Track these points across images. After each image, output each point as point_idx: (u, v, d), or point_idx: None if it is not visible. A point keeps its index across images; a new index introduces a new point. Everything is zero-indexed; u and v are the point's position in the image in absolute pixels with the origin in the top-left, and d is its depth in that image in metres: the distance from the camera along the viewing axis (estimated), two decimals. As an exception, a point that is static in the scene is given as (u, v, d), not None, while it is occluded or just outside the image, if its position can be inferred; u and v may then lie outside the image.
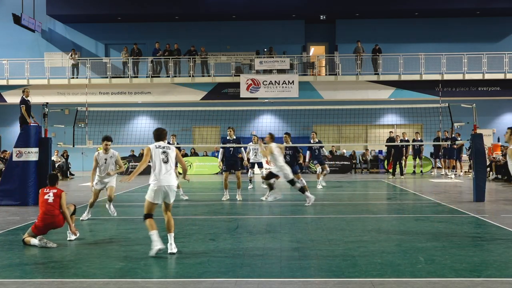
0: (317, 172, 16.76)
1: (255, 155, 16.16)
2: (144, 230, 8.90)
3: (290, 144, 13.47)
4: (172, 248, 6.95)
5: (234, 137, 13.44)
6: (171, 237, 7.01)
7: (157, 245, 6.76)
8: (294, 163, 13.36)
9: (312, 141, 16.39)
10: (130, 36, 26.71)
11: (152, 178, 7.01)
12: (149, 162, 7.07)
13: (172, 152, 7.18)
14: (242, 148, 13.73)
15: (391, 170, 21.67)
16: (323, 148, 17.02)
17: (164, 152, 7.09)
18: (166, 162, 7.05)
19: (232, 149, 13.26)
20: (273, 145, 11.86)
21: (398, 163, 21.17)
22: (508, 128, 8.62)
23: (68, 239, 7.98)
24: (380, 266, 6.19)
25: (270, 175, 12.07)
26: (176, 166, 13.71)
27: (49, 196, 7.85)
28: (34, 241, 7.50)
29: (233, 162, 13.27)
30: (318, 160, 16.53)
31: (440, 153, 22.17)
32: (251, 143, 16.16)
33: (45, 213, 7.73)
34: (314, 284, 5.50)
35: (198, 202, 13.06)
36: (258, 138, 15.87)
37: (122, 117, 20.34)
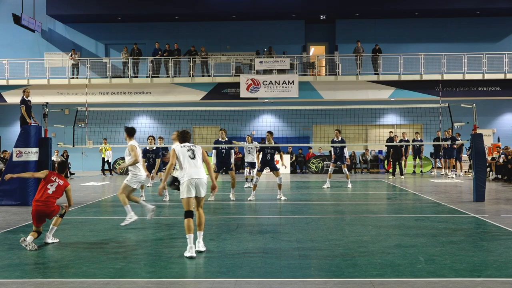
0: (345, 173, 16.70)
1: (248, 152, 16.21)
2: (143, 230, 8.91)
3: (272, 144, 13.47)
4: (200, 246, 7.03)
5: (226, 139, 13.69)
6: (200, 235, 7.07)
7: (191, 252, 6.76)
8: (273, 161, 13.35)
9: (335, 139, 16.40)
10: (130, 36, 26.72)
11: (182, 175, 7.20)
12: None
13: (199, 150, 7.46)
14: (232, 151, 13.90)
15: (391, 170, 21.68)
16: (345, 149, 16.74)
17: (190, 149, 7.35)
18: (193, 158, 7.27)
19: (224, 150, 13.38)
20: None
21: (397, 163, 21.17)
22: None
23: (44, 241, 7.68)
24: (380, 266, 6.19)
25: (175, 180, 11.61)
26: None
27: (52, 185, 7.69)
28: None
29: (224, 163, 13.43)
30: (340, 160, 16.52)
31: (440, 153, 22.17)
32: (244, 142, 16.22)
33: (38, 200, 7.58)
34: (314, 284, 5.50)
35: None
36: (251, 137, 16.08)
37: (122, 117, 20.31)
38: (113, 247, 7.48)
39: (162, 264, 6.42)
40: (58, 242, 7.82)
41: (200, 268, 6.21)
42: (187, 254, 6.77)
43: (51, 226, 7.78)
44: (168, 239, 7.99)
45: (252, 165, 16.27)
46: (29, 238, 7.37)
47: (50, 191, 7.64)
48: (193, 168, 7.16)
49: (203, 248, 7.03)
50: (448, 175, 21.15)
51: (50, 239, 7.78)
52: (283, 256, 6.72)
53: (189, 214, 6.99)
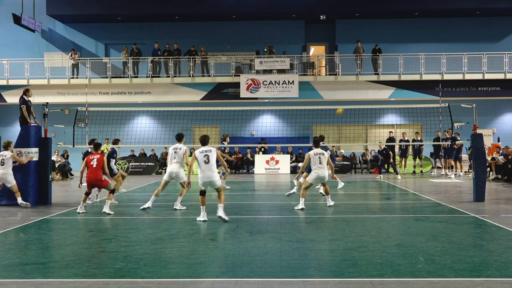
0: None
1: None
2: (143, 230, 8.92)
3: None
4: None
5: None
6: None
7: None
8: None
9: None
10: (130, 36, 26.72)
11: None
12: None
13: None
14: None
15: (391, 171, 21.61)
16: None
17: (205, 155, 9.47)
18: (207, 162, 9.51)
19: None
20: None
21: (388, 164, 21.06)
22: None
23: (103, 211, 10.37)
24: (380, 266, 6.19)
25: None
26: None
27: (93, 162, 10.71)
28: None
29: None
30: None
31: (440, 153, 22.17)
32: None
33: (89, 174, 10.72)
34: (314, 284, 5.50)
35: (197, 202, 13.02)
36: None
37: (122, 117, 20.35)
38: (113, 247, 7.48)
39: (162, 264, 6.41)
40: (113, 213, 10.46)
41: (200, 268, 6.21)
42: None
43: (106, 200, 10.80)
44: (168, 239, 7.99)
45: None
46: (81, 205, 10.75)
47: (94, 166, 10.70)
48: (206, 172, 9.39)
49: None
50: (448, 175, 21.15)
51: (107, 210, 10.48)
52: (283, 256, 6.72)
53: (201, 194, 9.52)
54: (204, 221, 9.42)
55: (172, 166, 11.21)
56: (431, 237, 7.92)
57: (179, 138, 11.54)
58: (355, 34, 25.87)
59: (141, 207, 11.24)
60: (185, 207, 11.42)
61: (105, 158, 10.88)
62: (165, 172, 11.80)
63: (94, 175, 10.71)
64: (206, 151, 9.44)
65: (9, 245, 7.70)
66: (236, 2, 25.63)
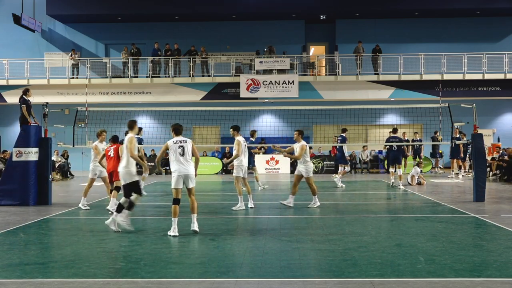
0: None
1: None
2: (143, 230, 8.91)
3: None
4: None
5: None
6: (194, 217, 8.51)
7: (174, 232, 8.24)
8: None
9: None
10: (130, 36, 26.70)
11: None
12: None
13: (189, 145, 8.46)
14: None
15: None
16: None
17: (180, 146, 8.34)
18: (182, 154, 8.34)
19: None
20: None
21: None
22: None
23: (107, 208, 10.58)
24: (380, 266, 6.19)
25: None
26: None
27: (111, 153, 10.78)
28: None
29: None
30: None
31: (441, 152, 22.16)
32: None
33: (109, 166, 10.74)
34: (314, 284, 5.50)
35: (198, 202, 13.02)
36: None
37: (122, 117, 20.28)
38: (113, 247, 7.48)
39: (162, 264, 6.41)
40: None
41: (200, 268, 6.21)
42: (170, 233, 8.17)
43: (111, 198, 10.56)
44: (168, 239, 7.99)
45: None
46: (111, 203, 10.52)
47: (111, 155, 10.72)
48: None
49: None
50: (449, 176, 21.10)
51: (111, 207, 10.26)
52: (283, 256, 6.72)
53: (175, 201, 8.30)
54: (174, 236, 8.08)
55: (246, 161, 11.53)
56: (431, 237, 7.93)
57: (238, 129, 11.48)
58: (355, 34, 25.86)
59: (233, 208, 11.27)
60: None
61: (122, 147, 9.95)
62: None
63: (112, 165, 10.62)
64: (181, 142, 8.32)
65: (9, 245, 7.70)
66: (236, 2, 25.62)
